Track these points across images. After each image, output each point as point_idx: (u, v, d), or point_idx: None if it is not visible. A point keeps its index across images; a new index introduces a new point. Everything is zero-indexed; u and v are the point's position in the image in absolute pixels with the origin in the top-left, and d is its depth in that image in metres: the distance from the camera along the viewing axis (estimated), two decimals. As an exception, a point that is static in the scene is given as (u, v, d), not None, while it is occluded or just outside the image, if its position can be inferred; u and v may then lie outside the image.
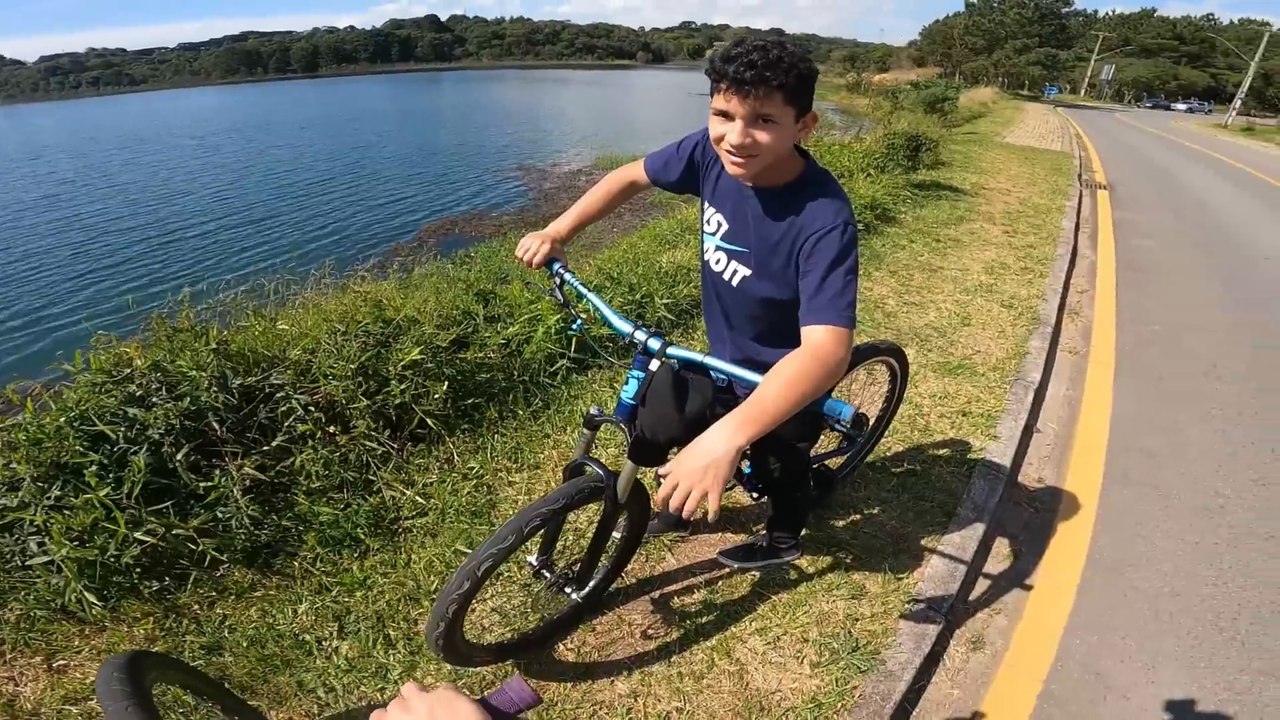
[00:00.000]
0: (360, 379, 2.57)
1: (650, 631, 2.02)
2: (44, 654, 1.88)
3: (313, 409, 2.46)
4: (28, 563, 1.97)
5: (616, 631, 2.02)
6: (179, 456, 2.20)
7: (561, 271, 1.63)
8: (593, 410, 1.61)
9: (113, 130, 35.68)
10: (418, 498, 2.44)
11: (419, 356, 2.66)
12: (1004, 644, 2.17)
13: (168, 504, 2.11)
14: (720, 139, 1.26)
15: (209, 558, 2.09)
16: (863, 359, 2.20)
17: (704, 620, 2.07)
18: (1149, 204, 9.65)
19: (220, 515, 2.19)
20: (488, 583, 2.09)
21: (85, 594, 1.92)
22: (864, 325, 4.18)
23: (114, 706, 1.10)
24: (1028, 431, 3.29)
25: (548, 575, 1.82)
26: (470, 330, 3.15)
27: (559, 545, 2.03)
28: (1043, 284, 5.18)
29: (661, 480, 1.16)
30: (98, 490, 1.99)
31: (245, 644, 1.91)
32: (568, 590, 1.85)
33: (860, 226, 5.90)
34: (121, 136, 31.38)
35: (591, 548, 1.80)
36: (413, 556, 2.23)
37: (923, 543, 2.43)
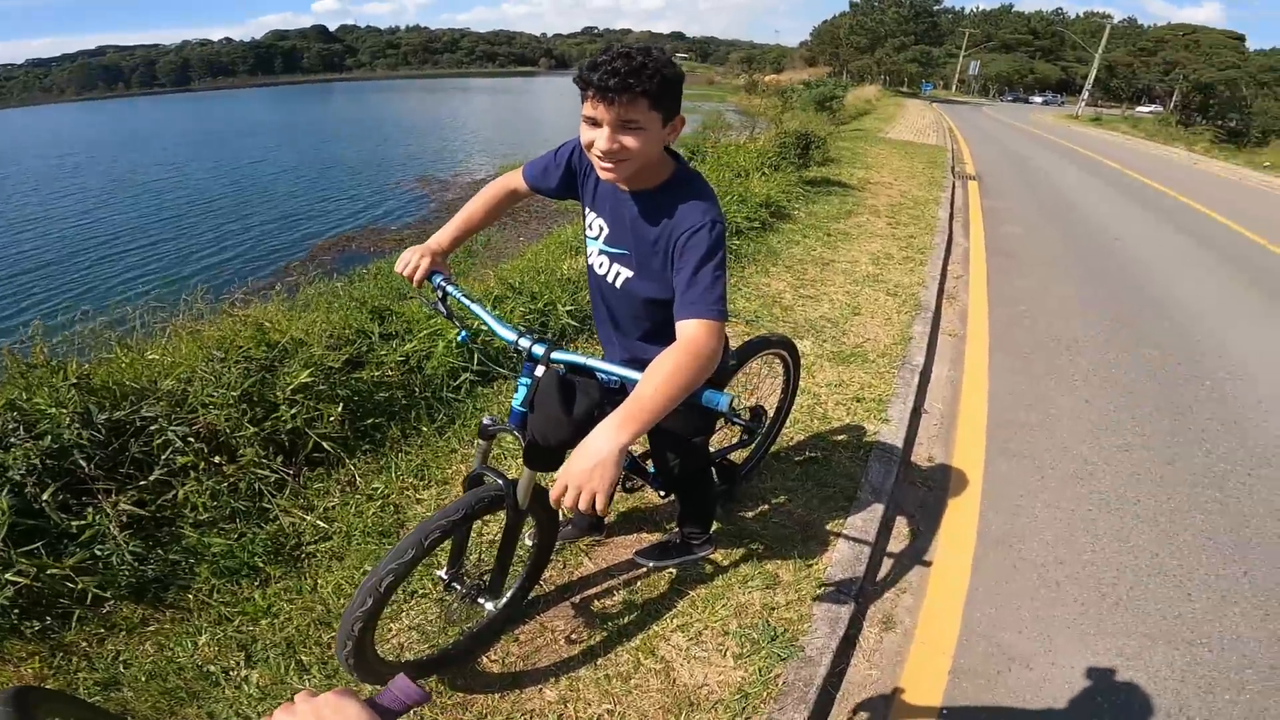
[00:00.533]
0: (245, 406, 2.44)
1: (574, 636, 2.03)
2: None
3: (192, 440, 2.31)
4: None
5: (540, 639, 2.02)
6: (45, 496, 2.04)
7: (444, 285, 1.62)
8: (486, 420, 1.61)
9: None
10: (319, 522, 2.34)
11: (309, 379, 2.55)
12: (913, 622, 2.26)
13: (38, 544, 1.97)
14: (590, 145, 1.30)
15: (91, 595, 1.95)
16: (755, 352, 2.29)
17: (626, 621, 2.10)
18: (1014, 193, 10.58)
19: (99, 553, 2.04)
20: (401, 600, 2.06)
21: None
22: (763, 320, 4.35)
23: None
24: (916, 413, 3.50)
25: (458, 587, 1.80)
26: (365, 349, 3.05)
27: (472, 558, 2.00)
28: (923, 272, 5.56)
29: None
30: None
31: (144, 678, 1.80)
32: (481, 601, 1.84)
33: (756, 224, 6.14)
34: None
35: (500, 556, 1.79)
36: (319, 581, 2.14)
37: (828, 528, 2.53)
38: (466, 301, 1.60)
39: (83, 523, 2.06)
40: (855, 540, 2.47)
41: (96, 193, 16.62)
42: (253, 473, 2.37)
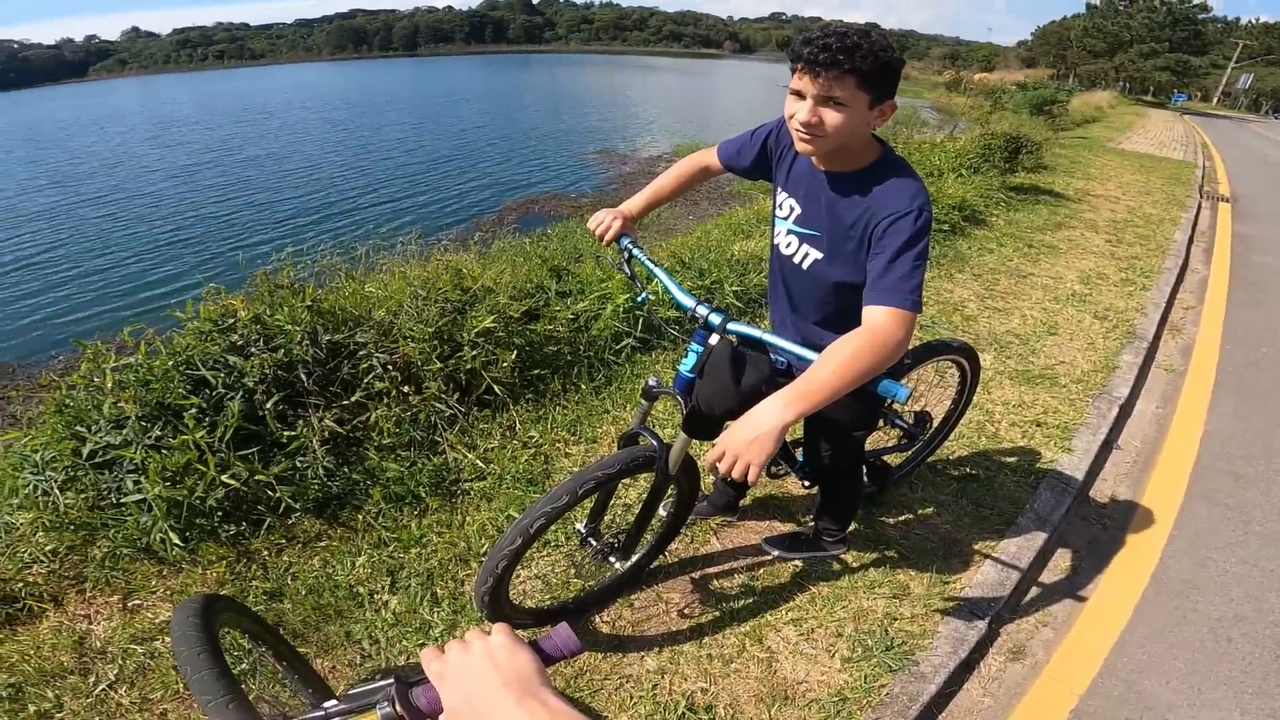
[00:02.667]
0: (436, 342, 2.70)
1: (686, 611, 2.06)
2: (122, 593, 2.03)
3: (390, 368, 2.61)
4: (121, 500, 2.14)
5: (653, 609, 2.06)
6: (269, 405, 2.38)
7: (630, 247, 1.67)
8: (651, 381, 1.64)
9: (238, 103, 38.41)
10: (478, 461, 2.55)
11: (492, 325, 2.77)
12: (1045, 656, 2.10)
13: (254, 450, 2.26)
14: (791, 116, 1.30)
15: (284, 505, 2.23)
16: (932, 355, 2.15)
17: (740, 605, 2.09)
18: (1275, 219, 8.79)
19: (298, 465, 2.33)
20: (535, 547, 2.17)
21: (169, 534, 2.06)
22: (941, 326, 4.04)
23: (186, 651, 1.16)
24: (1107, 447, 3.13)
25: (594, 543, 1.87)
26: (542, 303, 3.25)
27: (607, 518, 2.08)
28: (1144, 297, 4.83)
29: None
30: (194, 432, 2.15)
31: (304, 592, 2.04)
32: (611, 560, 1.90)
33: (945, 227, 5.67)
34: (248, 109, 33.73)
35: (639, 518, 1.84)
36: (467, 518, 2.33)
37: (976, 548, 2.37)
38: (650, 265, 1.64)
39: (292, 434, 2.37)
40: (1004, 564, 2.30)
41: (352, 147, 19.24)
42: (432, 405, 2.63)
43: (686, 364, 1.53)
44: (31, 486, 2.18)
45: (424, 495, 2.38)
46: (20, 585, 2.01)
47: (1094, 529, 2.65)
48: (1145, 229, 6.83)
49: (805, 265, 1.53)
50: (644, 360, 3.27)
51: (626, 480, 2.20)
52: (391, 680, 0.65)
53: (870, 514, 2.46)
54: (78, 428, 2.23)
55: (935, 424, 2.47)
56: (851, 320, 1.30)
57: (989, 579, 2.25)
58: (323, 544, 2.21)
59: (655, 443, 1.62)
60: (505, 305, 2.94)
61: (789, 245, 1.56)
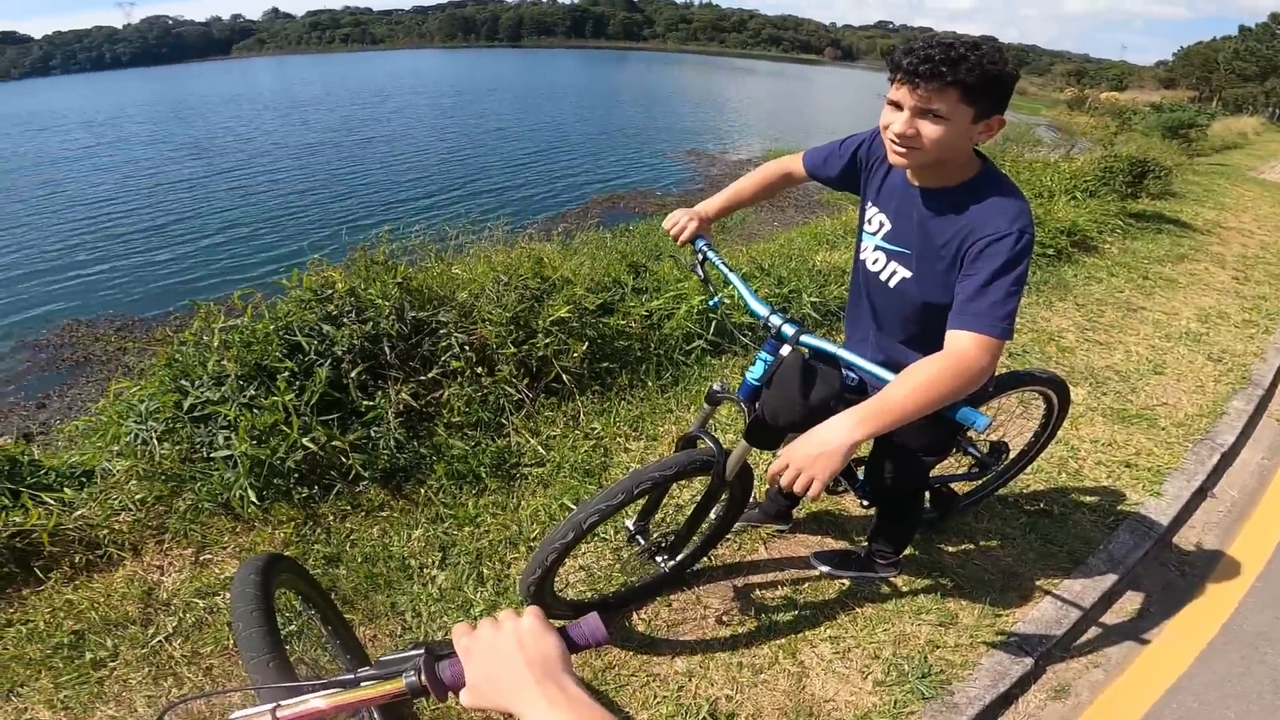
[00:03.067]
0: (512, 327, 2.79)
1: (724, 618, 2.04)
2: (196, 546, 2.17)
3: (467, 348, 2.71)
4: (211, 455, 2.30)
5: (690, 611, 2.05)
6: (353, 374, 2.52)
7: (705, 249, 1.67)
8: (715, 386, 1.64)
9: (358, 85, 41.11)
10: (540, 447, 2.61)
11: (567, 314, 2.83)
12: (1090, 696, 1.99)
13: (334, 416, 2.40)
14: (887, 126, 1.26)
15: (354, 473, 2.35)
16: (1018, 385, 2.05)
17: (779, 618, 2.06)
18: None
19: (372, 435, 2.46)
20: (584, 540, 2.23)
21: (249, 491, 2.20)
22: (1032, 355, 3.80)
23: (241, 607, 1.22)
24: (1200, 494, 2.89)
25: (641, 541, 1.88)
26: (617, 298, 3.29)
27: (657, 516, 2.09)
28: (1265, 341, 4.37)
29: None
30: (284, 395, 2.30)
31: (360, 560, 2.14)
32: (657, 559, 1.91)
33: (1050, 252, 5.32)
34: (365, 92, 36.07)
35: (689, 521, 1.84)
36: (522, 502, 2.39)
37: (1036, 584, 2.26)
38: (724, 269, 1.63)
39: (371, 404, 2.50)
40: (1064, 602, 2.19)
41: (455, 133, 20.25)
42: (502, 388, 2.71)
43: (754, 372, 1.51)
44: (133, 435, 2.38)
45: (484, 475, 2.45)
46: (106, 532, 2.17)
47: (1171, 575, 2.47)
48: (1278, 267, 6.18)
49: (892, 283, 1.48)
50: (713, 364, 3.25)
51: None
52: (422, 651, 0.67)
53: (928, 539, 2.37)
54: (182, 381, 2.44)
55: (1012, 456, 2.34)
56: (940, 341, 1.25)
57: (1045, 616, 2.15)
58: (384, 514, 2.31)
59: (715, 447, 1.62)
60: (581, 297, 3.00)
61: (876, 262, 1.52)
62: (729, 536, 2.22)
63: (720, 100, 33.49)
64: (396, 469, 2.44)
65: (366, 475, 2.37)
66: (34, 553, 2.09)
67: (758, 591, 2.14)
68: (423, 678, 0.66)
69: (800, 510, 2.41)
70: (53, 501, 2.24)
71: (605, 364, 2.95)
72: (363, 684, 0.70)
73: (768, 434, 1.53)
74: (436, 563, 2.15)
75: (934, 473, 2.05)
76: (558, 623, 0.67)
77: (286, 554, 1.98)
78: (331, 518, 2.28)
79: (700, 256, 1.68)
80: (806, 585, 2.17)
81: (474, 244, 3.53)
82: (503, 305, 2.83)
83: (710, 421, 1.78)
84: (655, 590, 2.07)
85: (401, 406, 2.52)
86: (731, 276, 1.62)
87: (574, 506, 2.36)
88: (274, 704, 0.69)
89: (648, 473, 1.61)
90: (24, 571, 2.08)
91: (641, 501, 1.81)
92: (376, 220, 8.63)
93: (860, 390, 1.63)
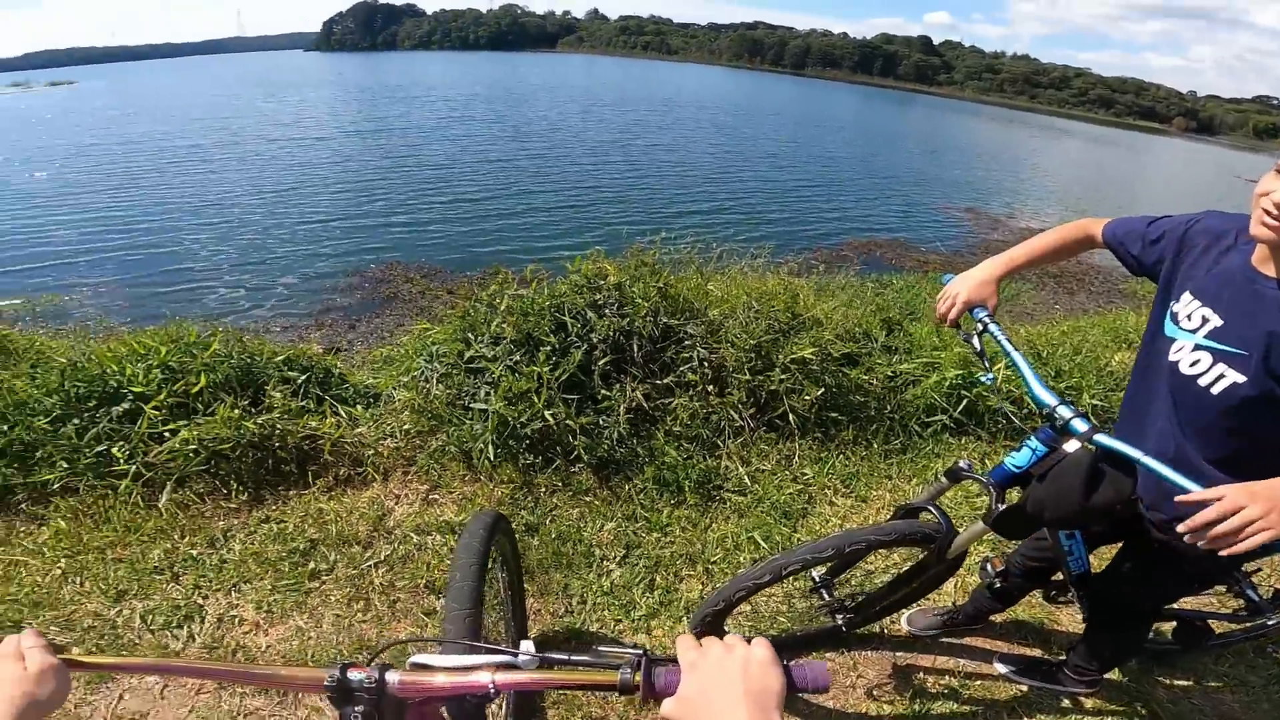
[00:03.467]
0: (753, 355, 2.82)
1: (874, 692, 1.90)
2: (430, 485, 2.46)
3: (706, 365, 2.80)
4: (470, 405, 2.64)
5: (842, 676, 1.93)
6: (600, 362, 2.74)
7: (986, 320, 1.51)
8: (962, 464, 1.50)
9: (650, 93, 45.08)
10: (746, 477, 2.61)
11: (809, 356, 2.78)
12: None
13: (574, 397, 2.63)
14: (1266, 194, 1.08)
15: (576, 454, 2.54)
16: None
17: (934, 708, 1.87)
18: None
19: (601, 423, 2.64)
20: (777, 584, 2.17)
21: (489, 446, 2.49)
22: None
23: (465, 558, 1.33)
24: None
25: (825, 596, 1.80)
26: (865, 351, 3.15)
27: (846, 575, 1.98)
28: None
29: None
30: (542, 366, 2.57)
31: (554, 535, 2.29)
32: (836, 618, 1.80)
33: None
34: (655, 100, 39.57)
35: (888, 588, 1.78)
36: (714, 524, 2.42)
37: None
38: (1006, 346, 1.47)
39: (608, 394, 2.68)
40: None
41: (730, 153, 21.23)
42: (728, 411, 2.75)
43: (1017, 459, 1.40)
44: (420, 371, 2.84)
45: (686, 489, 2.51)
46: (371, 453, 2.57)
47: None
48: None
49: (1216, 389, 1.22)
50: (950, 442, 2.97)
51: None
52: (642, 651, 0.69)
53: (1145, 668, 2.05)
54: (469, 335, 2.84)
55: None
56: (1271, 464, 1.06)
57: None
58: (588, 499, 2.47)
59: (944, 523, 1.52)
60: (828, 342, 2.93)
61: (1195, 363, 1.26)
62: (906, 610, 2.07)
63: (1019, 159, 30.16)
64: (611, 460, 2.60)
65: (585, 459, 2.55)
66: (314, 458, 2.56)
67: (920, 675, 1.96)
68: (637, 676, 0.67)
69: (1002, 614, 2.13)
70: (344, 414, 2.76)
71: (834, 414, 2.85)
72: (580, 668, 0.72)
73: (1020, 524, 1.43)
74: (618, 559, 2.25)
75: (1188, 603, 1.84)
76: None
77: (503, 514, 2.20)
78: (543, 490, 2.49)
79: (980, 327, 1.52)
80: (977, 682, 1.94)
81: (733, 265, 3.63)
82: (749, 332, 2.87)
83: (942, 497, 1.66)
84: (815, 644, 2.00)
85: (633, 403, 2.69)
86: (1015, 356, 1.45)
87: (761, 541, 2.34)
88: (494, 664, 0.73)
89: (864, 534, 1.55)
90: (299, 474, 2.54)
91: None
92: (652, 225, 9.34)
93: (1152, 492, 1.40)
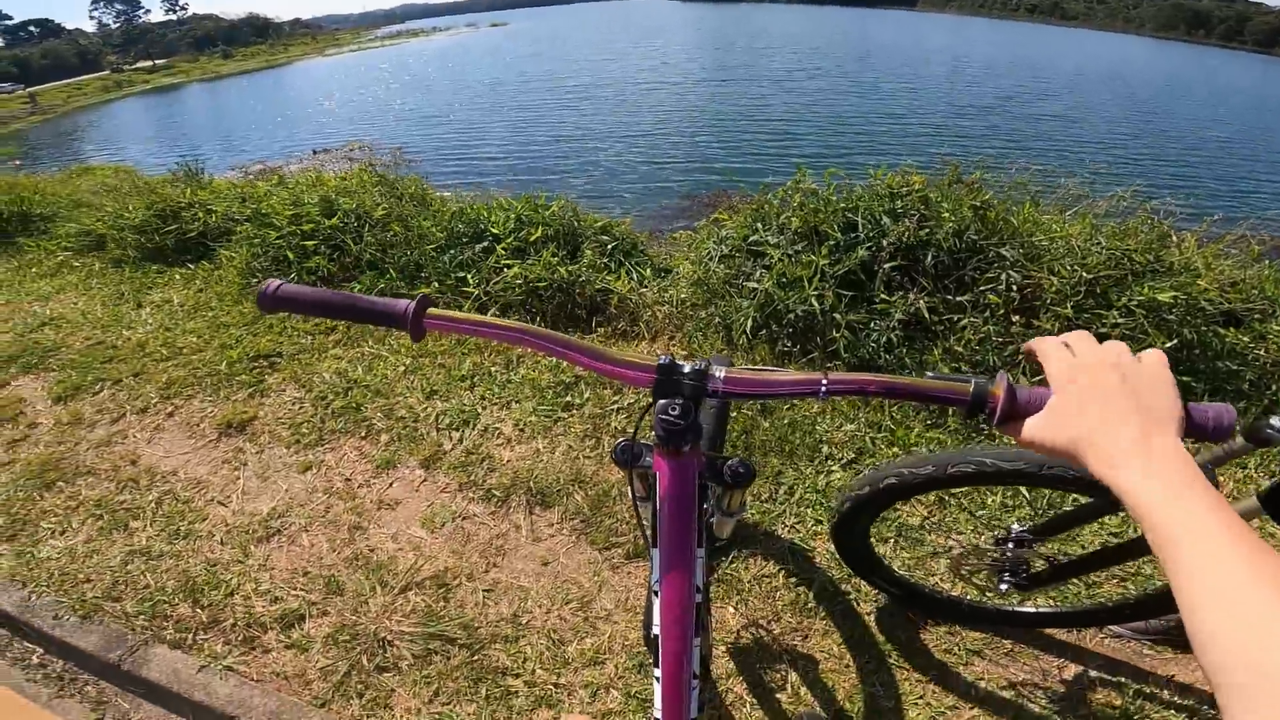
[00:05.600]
0: (1082, 289, 2.34)
1: (1020, 688, 1.53)
2: (688, 352, 2.57)
3: (1014, 288, 2.42)
4: (741, 285, 2.74)
5: (974, 665, 1.59)
6: (885, 266, 2.56)
7: None
8: (1275, 421, 1.06)
9: (1053, 62, 38.90)
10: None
11: (1167, 300, 2.19)
12: None
13: (849, 294, 2.54)
14: None
15: (836, 348, 2.46)
16: None
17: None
18: None
19: (872, 325, 2.49)
20: (957, 513, 1.92)
21: (749, 322, 2.58)
22: None
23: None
24: None
25: (1010, 550, 1.42)
26: (1254, 310, 2.37)
27: (1053, 546, 1.57)
28: None
29: None
30: (821, 258, 2.54)
31: (785, 422, 2.28)
32: (1008, 582, 1.44)
33: None
34: (1059, 70, 34.27)
35: (1091, 557, 1.37)
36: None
37: None
38: None
39: (886, 298, 2.50)
40: None
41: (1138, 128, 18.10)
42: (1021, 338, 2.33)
43: None
44: (707, 251, 3.01)
45: (950, 412, 2.25)
46: (648, 314, 2.85)
47: None
48: None
49: None
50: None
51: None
52: (1001, 371, 0.60)
53: None
54: (757, 224, 2.92)
55: None
56: None
57: None
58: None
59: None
60: (1200, 291, 2.27)
61: None
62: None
63: None
64: (873, 364, 2.44)
65: (844, 356, 2.45)
66: (602, 309, 2.95)
67: (1096, 693, 1.52)
68: (998, 388, 0.57)
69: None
70: (636, 278, 3.10)
71: (1185, 376, 2.22)
72: (928, 374, 0.65)
73: None
74: (844, 461, 2.15)
75: None
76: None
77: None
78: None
79: None
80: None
81: (1084, 205, 2.98)
82: (1084, 264, 2.38)
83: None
84: (971, 618, 1.67)
85: (913, 311, 2.46)
86: None
87: (1025, 491, 1.98)
88: (822, 370, 0.73)
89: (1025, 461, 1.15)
90: (587, 320, 2.94)
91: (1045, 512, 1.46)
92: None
93: None
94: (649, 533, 0.79)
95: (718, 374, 0.70)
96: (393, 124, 22.11)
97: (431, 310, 0.75)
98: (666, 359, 0.71)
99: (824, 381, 0.66)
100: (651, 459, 0.77)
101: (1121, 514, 1.67)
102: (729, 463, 0.81)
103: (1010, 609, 1.61)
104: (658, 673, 0.71)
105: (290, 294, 0.77)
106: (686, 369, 0.70)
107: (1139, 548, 1.27)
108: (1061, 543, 1.76)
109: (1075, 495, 1.62)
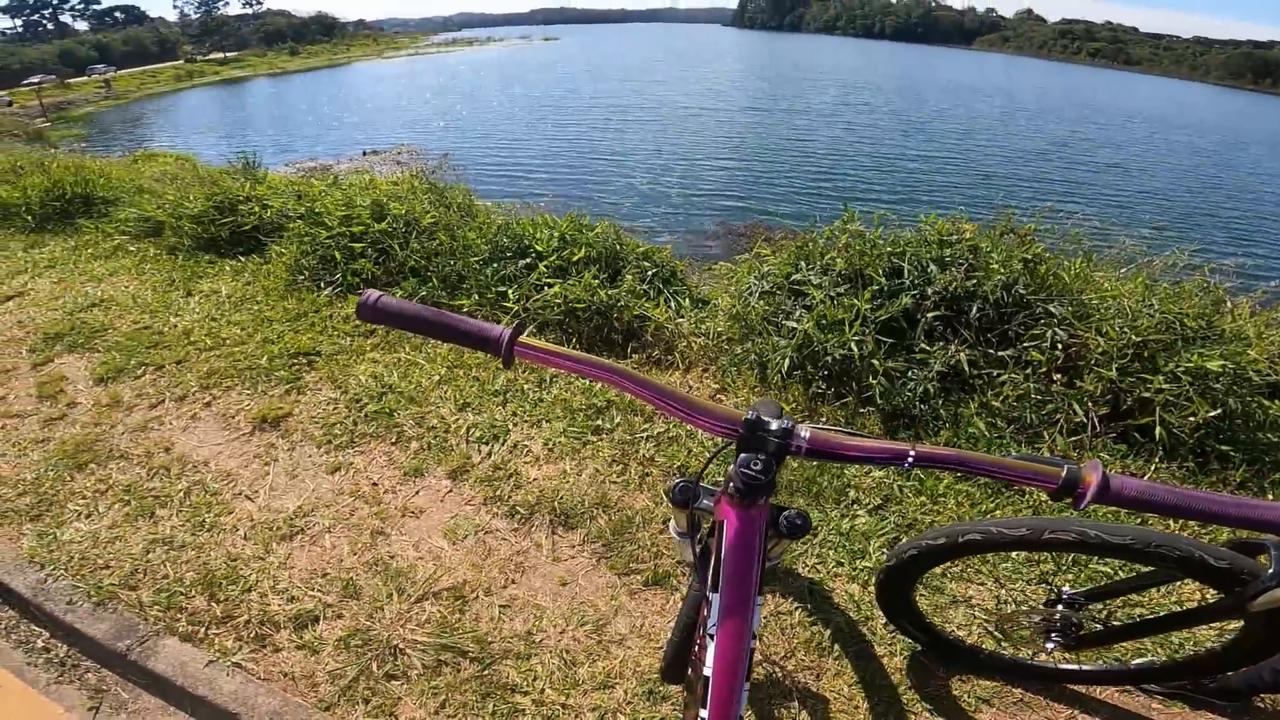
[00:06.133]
0: (1129, 352, 2.28)
1: None
2: (720, 386, 2.59)
3: (1059, 348, 2.37)
4: (781, 324, 2.73)
5: (1009, 715, 1.54)
6: (928, 315, 2.53)
7: None
8: None
9: (1104, 104, 38.09)
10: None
11: (1216, 369, 2.13)
12: None
13: (889, 341, 2.51)
14: None
15: (871, 394, 2.42)
16: None
17: None
18: None
19: (910, 374, 2.45)
20: (1005, 573, 1.87)
21: (786, 361, 2.57)
22: None
23: None
24: None
25: (1060, 614, 1.38)
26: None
27: (1101, 607, 1.50)
28: None
29: None
30: (864, 300, 2.53)
31: (814, 465, 2.22)
32: (1056, 643, 1.38)
33: None
34: (1099, 113, 33.66)
35: (1147, 624, 1.34)
36: (996, 514, 2.10)
37: None
38: None
39: (927, 348, 2.47)
40: None
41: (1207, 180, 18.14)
42: (1069, 403, 2.27)
43: None
44: (747, 286, 3.01)
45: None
46: (684, 344, 2.88)
47: None
48: None
49: None
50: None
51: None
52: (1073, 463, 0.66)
53: None
54: (800, 262, 2.93)
55: None
56: None
57: None
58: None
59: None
60: (1249, 361, 2.20)
61: None
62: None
63: None
64: (906, 413, 2.41)
65: (878, 403, 2.41)
66: (638, 335, 2.98)
67: None
68: (1091, 476, 0.63)
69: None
70: (674, 307, 3.12)
71: (1226, 446, 2.14)
72: (1014, 456, 0.69)
73: None
74: (870, 507, 2.10)
75: None
76: None
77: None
78: (824, 419, 2.43)
79: None
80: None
81: (1137, 265, 2.92)
82: (1134, 327, 2.32)
83: None
84: (1010, 675, 1.61)
85: (953, 364, 2.43)
86: None
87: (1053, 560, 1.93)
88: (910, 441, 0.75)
89: (1164, 538, 1.14)
90: (623, 345, 2.96)
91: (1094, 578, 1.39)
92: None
93: None
94: (708, 574, 0.78)
95: (803, 434, 0.70)
96: (440, 130, 22.76)
97: (522, 339, 0.75)
98: (753, 414, 0.72)
99: (912, 453, 0.67)
100: (711, 502, 0.78)
101: (1175, 583, 1.67)
102: (786, 513, 0.81)
103: (1052, 667, 1.57)
104: (704, 713, 0.71)
105: (388, 306, 0.79)
106: (773, 426, 0.71)
107: (1194, 616, 1.27)
108: (1110, 606, 1.72)
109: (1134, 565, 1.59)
